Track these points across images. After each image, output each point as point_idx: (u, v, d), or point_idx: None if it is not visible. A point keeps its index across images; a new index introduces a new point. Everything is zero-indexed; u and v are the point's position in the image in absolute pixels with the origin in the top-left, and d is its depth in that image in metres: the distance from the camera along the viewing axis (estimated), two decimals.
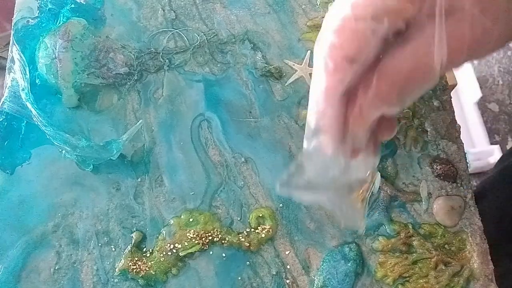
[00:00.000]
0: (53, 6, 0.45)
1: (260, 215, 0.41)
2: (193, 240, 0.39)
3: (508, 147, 1.23)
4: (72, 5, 0.46)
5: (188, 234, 0.40)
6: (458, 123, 0.44)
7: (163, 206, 0.41)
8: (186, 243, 0.39)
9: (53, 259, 0.39)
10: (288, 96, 0.44)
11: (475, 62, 1.35)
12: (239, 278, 0.39)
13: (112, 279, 0.39)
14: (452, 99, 0.45)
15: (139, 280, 0.39)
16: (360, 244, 0.40)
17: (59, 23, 0.44)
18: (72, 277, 0.39)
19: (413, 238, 0.40)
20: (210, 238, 0.40)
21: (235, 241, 0.40)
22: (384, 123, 0.28)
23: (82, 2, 0.46)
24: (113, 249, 0.40)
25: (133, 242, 0.40)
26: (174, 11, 0.47)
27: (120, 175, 0.42)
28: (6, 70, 0.44)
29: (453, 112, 0.44)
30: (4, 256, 0.39)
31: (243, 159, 0.43)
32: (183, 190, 0.42)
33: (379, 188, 0.41)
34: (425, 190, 0.42)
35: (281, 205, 0.41)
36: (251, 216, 0.41)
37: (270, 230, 0.40)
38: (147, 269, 0.39)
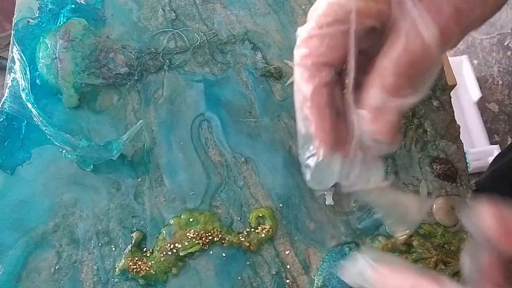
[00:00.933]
0: (54, 6, 0.45)
1: (260, 215, 0.41)
2: (193, 240, 0.39)
3: None
4: (72, 5, 0.46)
5: (188, 234, 0.40)
6: (457, 123, 0.44)
7: (163, 206, 0.41)
8: (186, 243, 0.39)
9: (53, 259, 0.39)
10: (288, 96, 0.45)
11: (475, 62, 1.35)
12: (239, 278, 0.39)
13: (112, 279, 0.39)
14: (452, 99, 0.45)
15: (139, 280, 0.39)
16: (360, 244, 0.40)
17: (60, 23, 0.45)
18: (72, 277, 0.39)
19: (413, 238, 0.40)
20: (210, 238, 0.40)
21: (235, 241, 0.40)
22: None
23: (82, 2, 0.46)
24: (113, 249, 0.40)
25: (133, 242, 0.40)
26: (174, 11, 0.48)
27: (120, 175, 0.42)
28: (6, 70, 0.44)
29: (453, 112, 0.44)
30: (4, 256, 0.39)
31: (243, 159, 0.43)
32: (183, 190, 0.42)
33: None
34: (425, 190, 0.42)
35: (281, 205, 0.41)
36: (251, 216, 0.41)
37: (270, 230, 0.40)
38: (147, 269, 0.39)
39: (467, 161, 0.43)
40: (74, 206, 0.41)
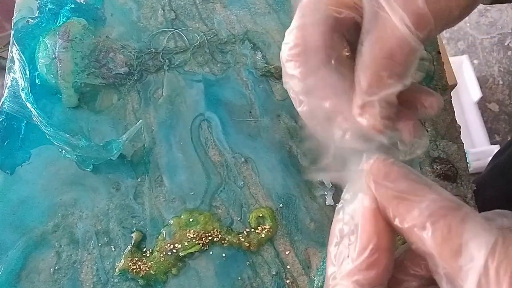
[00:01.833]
0: (53, 6, 0.45)
1: (260, 215, 0.41)
2: (193, 240, 0.39)
3: None
4: (72, 5, 0.46)
5: (188, 234, 0.40)
6: (458, 123, 0.44)
7: (163, 206, 0.41)
8: (186, 243, 0.39)
9: (53, 259, 0.39)
10: (288, 96, 0.44)
11: (476, 62, 1.35)
12: (239, 278, 0.39)
13: (112, 279, 0.39)
14: (452, 99, 0.45)
15: (139, 280, 0.39)
16: None
17: (59, 23, 0.44)
18: (72, 277, 0.39)
19: None
20: (210, 238, 0.40)
21: (235, 241, 0.40)
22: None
23: (82, 2, 0.46)
24: (113, 249, 0.40)
25: (133, 242, 0.40)
26: (174, 11, 0.47)
27: (120, 175, 0.42)
28: (6, 70, 0.44)
29: (453, 112, 0.44)
30: (4, 256, 0.39)
31: (243, 159, 0.42)
32: (183, 190, 0.42)
33: None
34: None
35: (281, 205, 0.41)
36: (251, 216, 0.41)
37: (270, 230, 0.40)
38: (147, 269, 0.39)
39: (467, 161, 0.43)
40: (74, 206, 0.41)
